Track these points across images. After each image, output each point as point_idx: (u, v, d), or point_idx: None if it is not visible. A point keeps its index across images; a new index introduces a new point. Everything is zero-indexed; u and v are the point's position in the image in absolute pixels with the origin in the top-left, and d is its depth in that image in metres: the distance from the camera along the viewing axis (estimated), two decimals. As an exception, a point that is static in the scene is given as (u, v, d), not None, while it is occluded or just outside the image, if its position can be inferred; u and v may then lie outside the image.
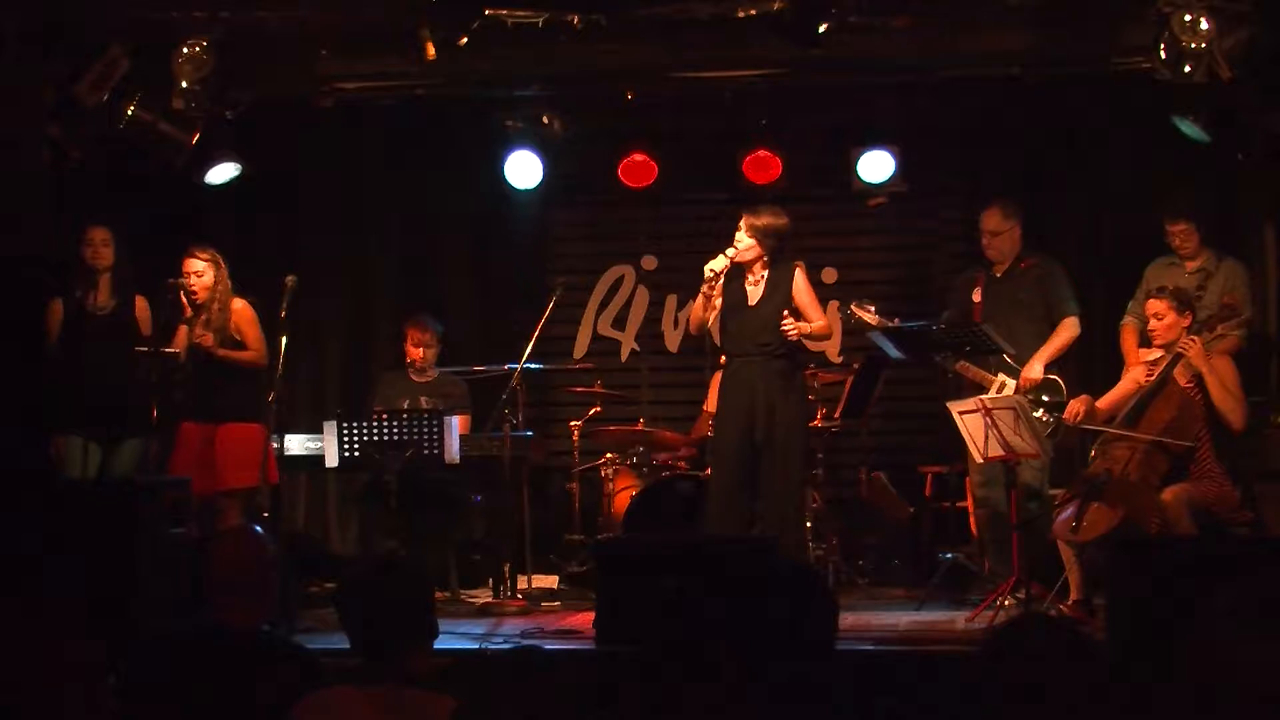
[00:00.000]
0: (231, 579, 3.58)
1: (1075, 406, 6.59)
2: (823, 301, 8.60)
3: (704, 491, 7.08)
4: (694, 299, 6.80)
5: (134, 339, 7.08)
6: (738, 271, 6.71)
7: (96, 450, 6.85)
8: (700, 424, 8.04)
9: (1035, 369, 6.93)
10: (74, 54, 6.77)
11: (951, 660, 5.27)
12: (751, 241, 6.66)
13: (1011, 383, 6.90)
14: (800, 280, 6.71)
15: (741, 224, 6.69)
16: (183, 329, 6.98)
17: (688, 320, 6.99)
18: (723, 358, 6.87)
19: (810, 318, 6.71)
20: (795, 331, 6.60)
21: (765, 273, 6.70)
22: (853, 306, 7.18)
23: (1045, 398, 6.85)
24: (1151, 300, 6.48)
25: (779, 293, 6.68)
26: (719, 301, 6.69)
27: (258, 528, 4.18)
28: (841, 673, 2.75)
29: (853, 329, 7.74)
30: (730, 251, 6.65)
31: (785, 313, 6.65)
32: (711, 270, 6.61)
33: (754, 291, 6.71)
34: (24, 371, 6.82)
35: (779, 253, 6.72)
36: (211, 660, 3.41)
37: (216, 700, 3.29)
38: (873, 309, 7.13)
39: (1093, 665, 2.35)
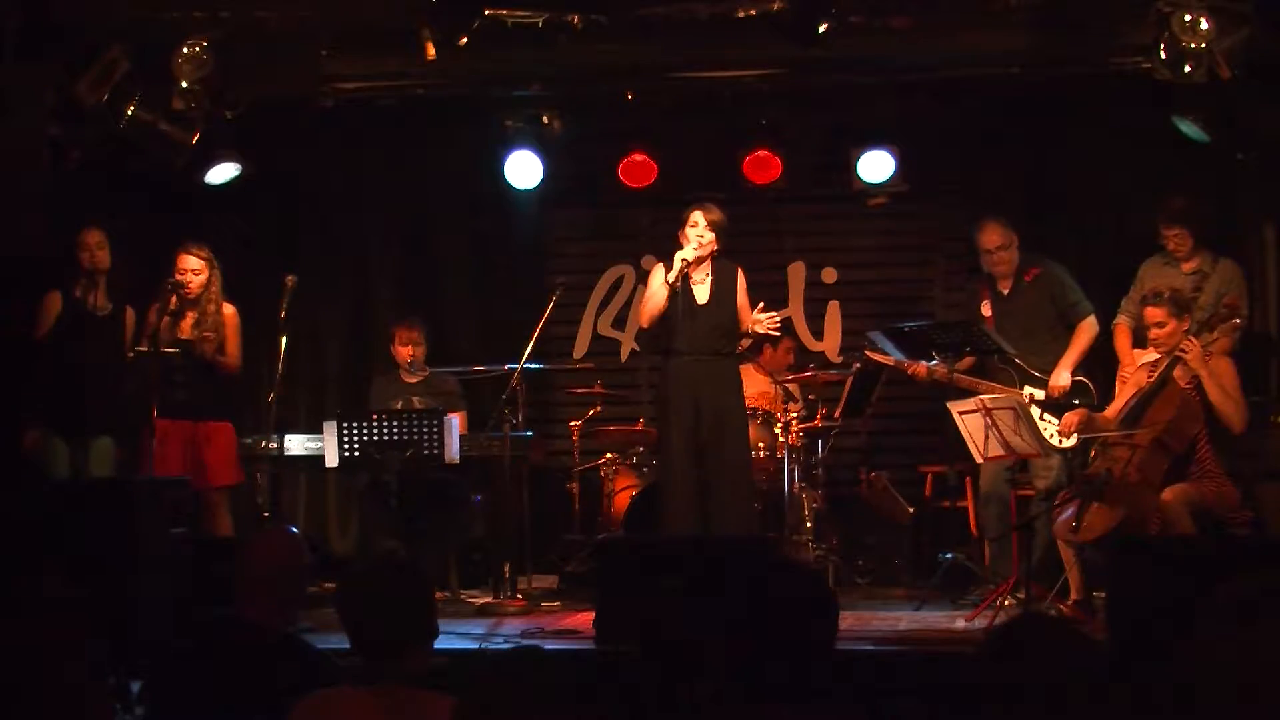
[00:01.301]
0: (266, 578, 3.58)
1: (1070, 420, 6.58)
2: (822, 301, 8.71)
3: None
4: (654, 293, 6.75)
5: (120, 345, 7.07)
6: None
7: (81, 449, 6.85)
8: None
9: (1063, 376, 6.93)
10: (74, 54, 6.77)
11: (951, 660, 5.27)
12: (712, 235, 6.68)
13: (1040, 394, 6.89)
14: (742, 282, 6.80)
15: (699, 219, 6.69)
16: (165, 321, 6.96)
17: (639, 316, 6.89)
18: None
19: (743, 320, 6.79)
20: (771, 322, 6.67)
21: (709, 273, 6.71)
22: (866, 353, 7.20)
23: (1076, 402, 6.85)
24: (1149, 309, 6.45)
25: (727, 293, 6.74)
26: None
27: (293, 528, 4.19)
28: (841, 673, 2.74)
29: (853, 329, 7.75)
30: (694, 245, 6.65)
31: (761, 305, 6.71)
32: (684, 260, 6.61)
33: (700, 291, 6.74)
34: (16, 371, 6.83)
35: (721, 251, 6.76)
36: (236, 654, 3.41)
37: (238, 694, 3.30)
38: (878, 344, 7.15)
39: (1093, 665, 2.35)
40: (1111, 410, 6.60)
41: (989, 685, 2.36)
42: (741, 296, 6.79)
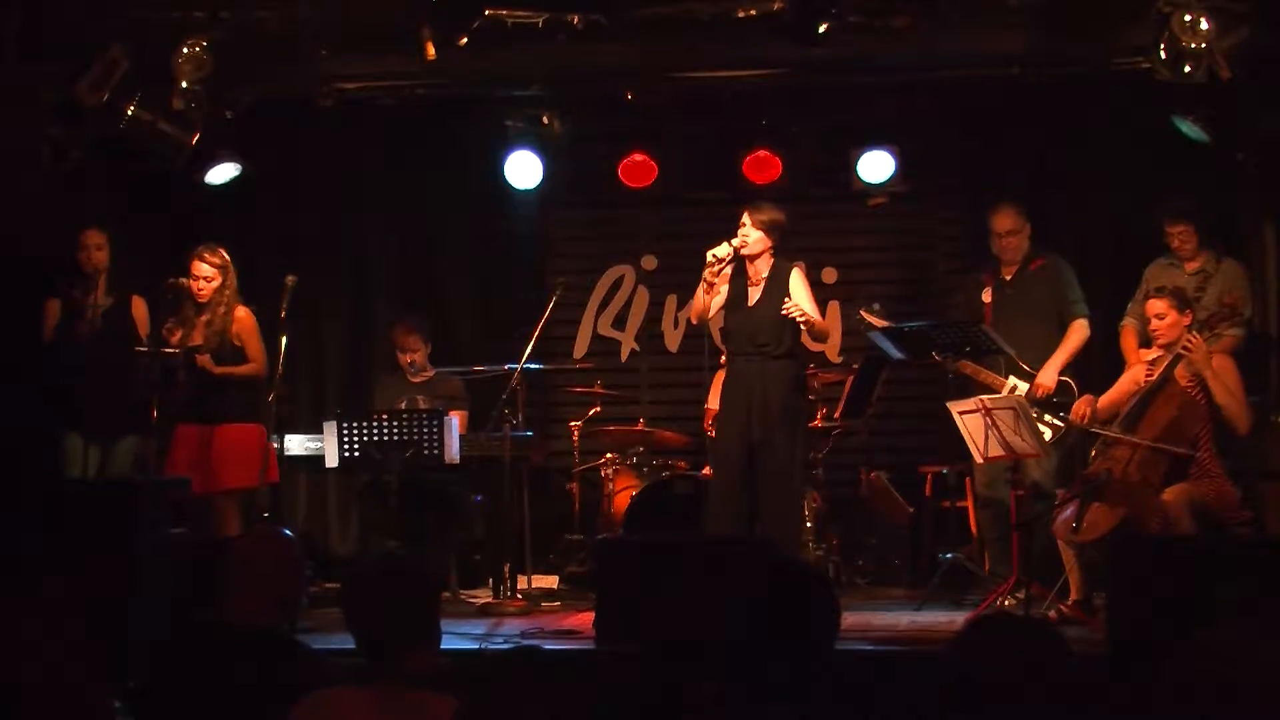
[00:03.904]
0: (257, 578, 3.58)
1: (1082, 409, 6.57)
2: (822, 302, 8.65)
3: (704, 491, 7.08)
4: (697, 290, 6.79)
5: (129, 339, 7.08)
6: (739, 271, 6.69)
7: (95, 450, 6.86)
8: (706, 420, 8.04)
9: (1049, 375, 6.92)
10: (74, 54, 6.77)
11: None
12: (760, 234, 6.64)
13: (1023, 386, 6.90)
14: (798, 280, 6.70)
15: (746, 219, 6.66)
16: (179, 330, 6.97)
17: (689, 311, 7.00)
18: (723, 357, 6.87)
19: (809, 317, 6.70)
20: (798, 311, 6.53)
21: (766, 273, 6.70)
22: (861, 313, 7.18)
23: (1056, 399, 6.85)
24: (1152, 300, 6.46)
25: (778, 293, 6.68)
26: (724, 289, 6.67)
27: (286, 530, 4.19)
28: (841, 673, 2.75)
29: (853, 329, 7.74)
30: (735, 241, 6.63)
31: (785, 300, 6.59)
32: (714, 255, 6.58)
33: (754, 291, 6.70)
34: (24, 371, 6.82)
35: (779, 250, 6.73)
36: (230, 656, 3.41)
37: (232, 695, 3.30)
38: (877, 306, 7.15)
39: (1058, 664, 2.35)
40: (1105, 400, 6.61)
41: (955, 683, 2.37)
42: (799, 294, 6.63)
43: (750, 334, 6.64)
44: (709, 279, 6.58)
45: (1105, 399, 6.63)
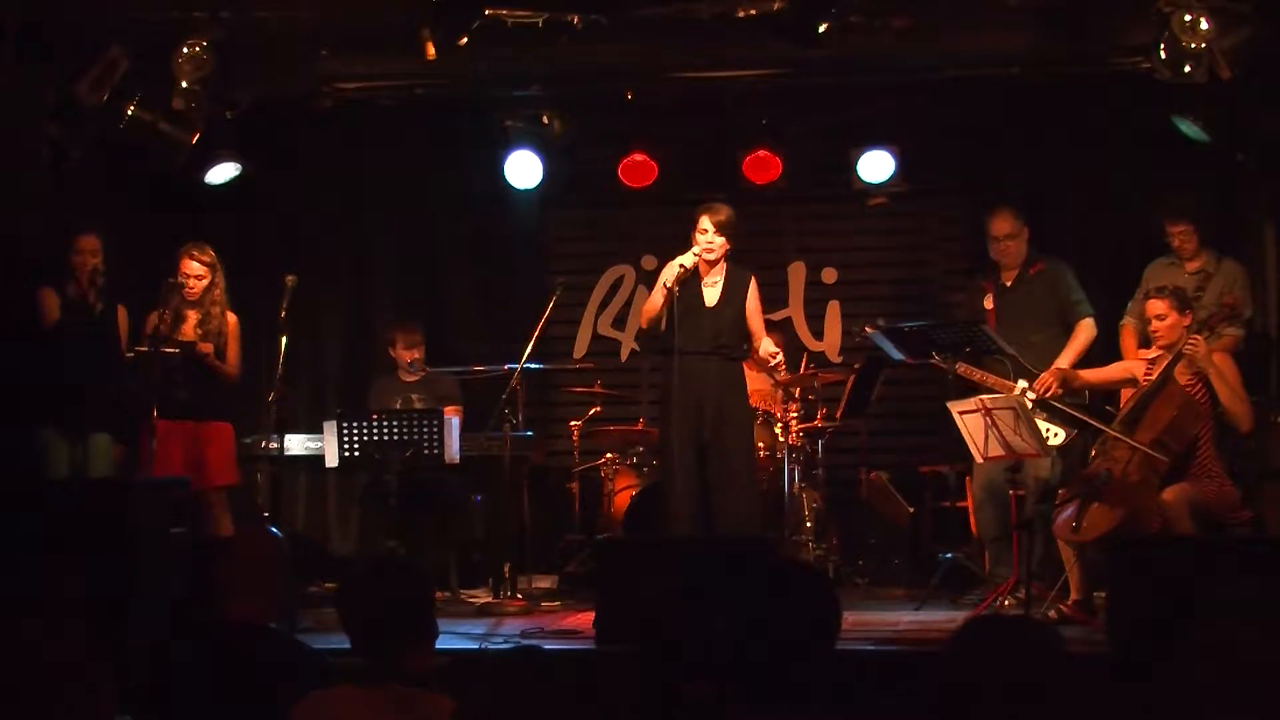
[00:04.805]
0: (247, 577, 3.59)
1: (1046, 379, 6.59)
2: (822, 301, 8.71)
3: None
4: (653, 295, 6.81)
5: (117, 343, 7.06)
6: (693, 272, 6.71)
7: (75, 445, 6.85)
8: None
9: None
10: (74, 54, 6.77)
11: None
12: (721, 239, 6.67)
13: (1033, 393, 6.89)
14: (754, 290, 6.79)
15: (706, 223, 6.68)
16: (166, 316, 6.92)
17: (641, 316, 7.05)
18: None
19: (753, 327, 6.78)
20: (778, 360, 6.71)
21: (722, 275, 6.72)
22: (866, 329, 7.18)
23: (1066, 399, 6.85)
24: (1152, 301, 6.45)
25: (736, 297, 6.73)
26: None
27: (273, 529, 4.19)
28: (842, 673, 2.74)
29: (851, 329, 7.75)
30: (697, 249, 6.65)
31: (774, 352, 6.70)
32: (682, 266, 6.61)
33: (710, 293, 6.74)
34: (13, 366, 6.82)
35: (732, 252, 6.74)
36: (230, 656, 3.41)
37: (232, 695, 3.30)
38: (881, 322, 7.15)
39: (1061, 664, 2.36)
40: (1090, 373, 6.64)
41: (954, 683, 2.38)
42: (752, 303, 6.76)
43: (712, 335, 6.67)
44: (670, 285, 6.60)
45: (1089, 373, 6.64)
